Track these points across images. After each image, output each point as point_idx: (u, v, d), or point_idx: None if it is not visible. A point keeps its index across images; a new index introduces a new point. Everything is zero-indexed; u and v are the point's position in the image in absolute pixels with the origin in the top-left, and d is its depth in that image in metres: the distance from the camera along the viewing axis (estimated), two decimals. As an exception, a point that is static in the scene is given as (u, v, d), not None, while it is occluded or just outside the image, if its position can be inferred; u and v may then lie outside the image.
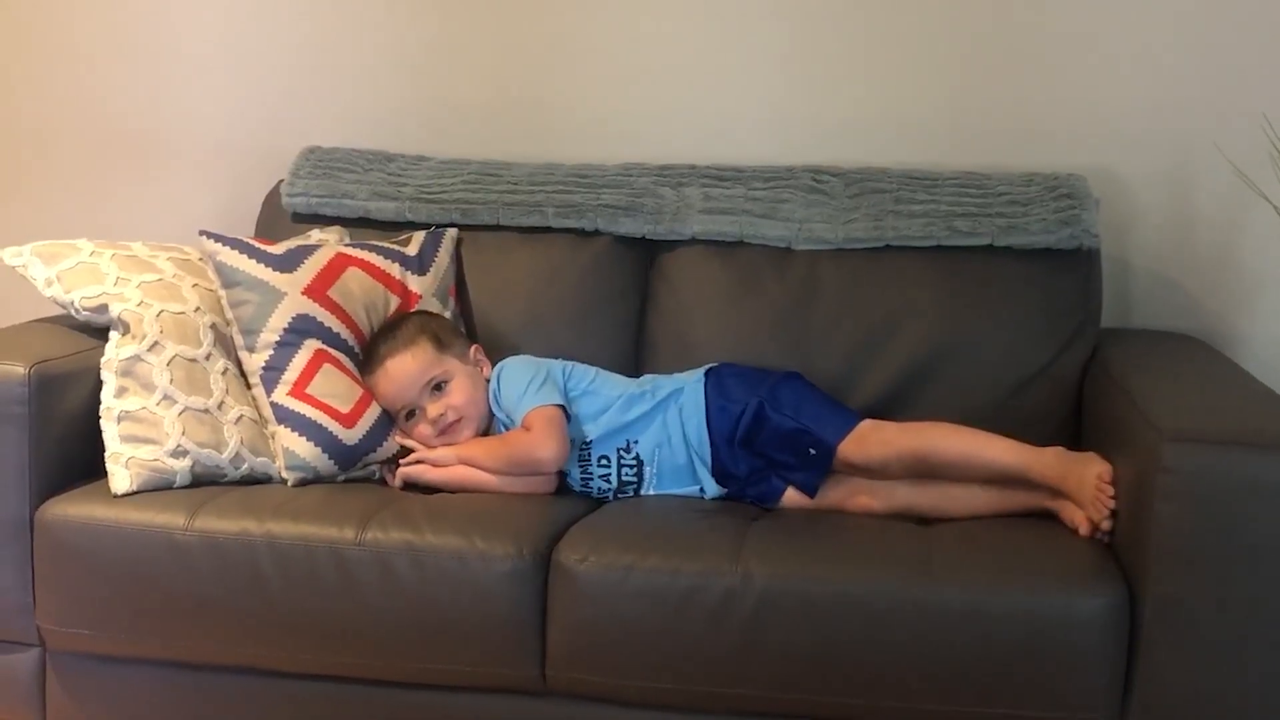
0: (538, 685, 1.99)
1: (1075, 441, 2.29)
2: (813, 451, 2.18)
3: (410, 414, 2.28)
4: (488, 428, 2.32)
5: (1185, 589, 1.81)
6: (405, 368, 2.27)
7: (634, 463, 2.25)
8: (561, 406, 2.24)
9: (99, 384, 2.18)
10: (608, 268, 2.51)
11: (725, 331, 2.41)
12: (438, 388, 2.28)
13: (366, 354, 2.32)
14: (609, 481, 2.25)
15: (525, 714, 2.03)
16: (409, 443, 2.28)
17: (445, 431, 2.27)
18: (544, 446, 2.19)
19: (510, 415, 2.27)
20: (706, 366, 2.33)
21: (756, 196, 2.49)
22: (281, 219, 2.60)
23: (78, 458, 2.17)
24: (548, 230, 2.53)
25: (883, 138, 2.60)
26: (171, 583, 2.05)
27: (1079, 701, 1.86)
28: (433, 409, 2.26)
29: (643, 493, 2.26)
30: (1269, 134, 2.22)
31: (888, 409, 2.32)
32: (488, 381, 2.33)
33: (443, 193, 2.57)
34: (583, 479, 2.26)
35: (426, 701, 2.04)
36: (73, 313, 2.26)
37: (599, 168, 2.59)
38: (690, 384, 2.29)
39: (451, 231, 2.53)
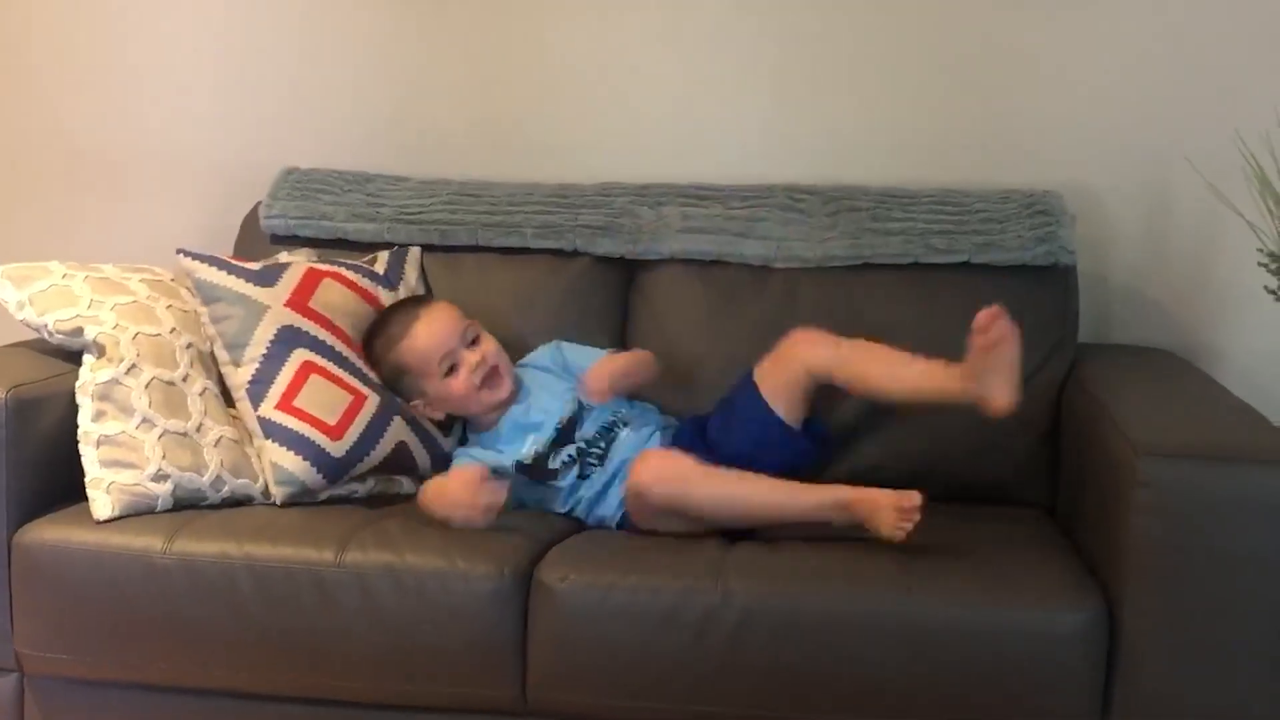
0: (519, 705, 1.99)
1: (1053, 458, 2.31)
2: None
3: (450, 370, 2.30)
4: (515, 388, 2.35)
5: (1163, 603, 1.82)
6: (444, 315, 2.33)
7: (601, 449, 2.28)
8: None
9: (75, 408, 2.17)
10: (587, 288, 2.51)
11: (705, 350, 2.42)
12: (473, 342, 2.32)
13: (388, 325, 2.34)
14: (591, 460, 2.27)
15: (506, 734, 2.02)
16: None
17: (486, 382, 2.31)
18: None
19: (581, 365, 2.33)
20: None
21: (734, 215, 2.50)
22: (260, 240, 2.60)
23: (54, 482, 2.16)
24: (527, 251, 2.53)
25: (859, 156, 2.61)
26: (150, 606, 2.04)
27: (1059, 716, 1.86)
28: (472, 356, 2.30)
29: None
30: (1242, 150, 2.23)
31: (866, 427, 2.33)
32: None
33: (421, 213, 2.57)
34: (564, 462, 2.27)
35: (407, 724, 2.03)
36: (46, 336, 2.25)
37: (577, 188, 2.60)
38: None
39: (414, 250, 2.53)
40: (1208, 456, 1.83)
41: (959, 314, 2.35)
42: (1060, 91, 2.56)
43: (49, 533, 2.09)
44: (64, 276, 2.29)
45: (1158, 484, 1.80)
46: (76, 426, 2.16)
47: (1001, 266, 2.38)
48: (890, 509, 1.96)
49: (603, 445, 2.27)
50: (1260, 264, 2.20)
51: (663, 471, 2.10)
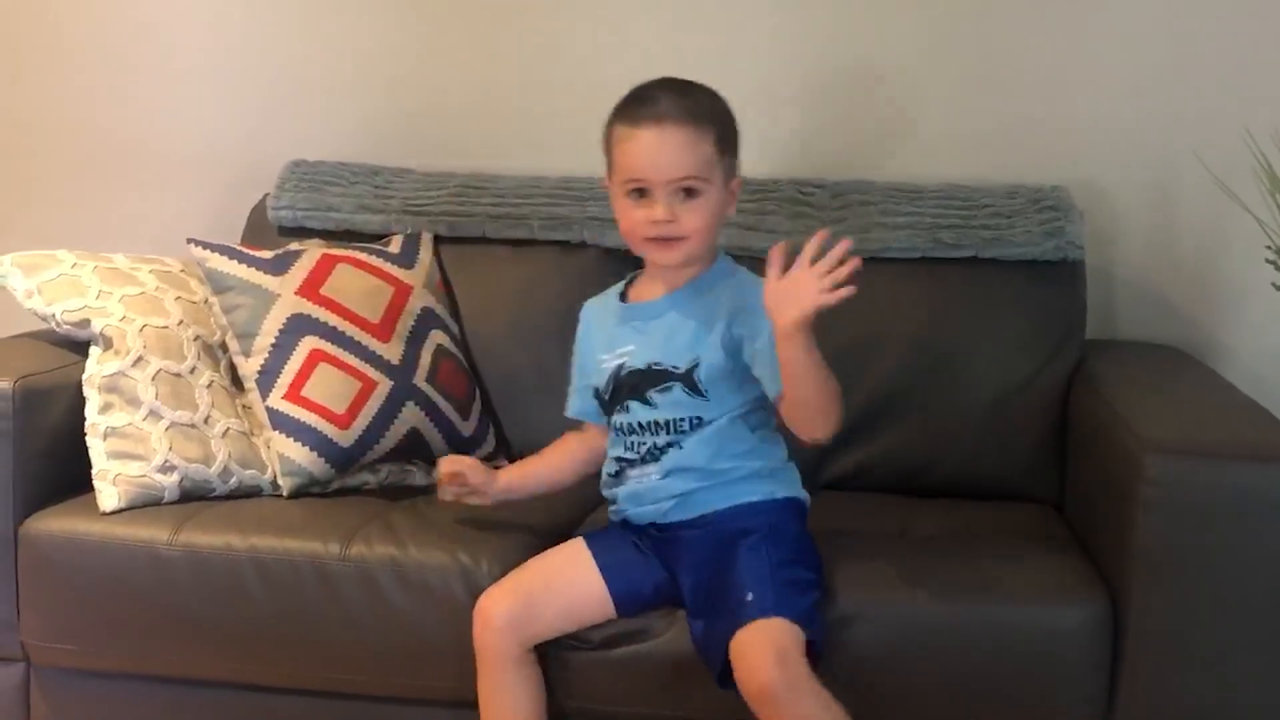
0: (523, 699, 1.99)
1: (1060, 453, 2.30)
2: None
3: (642, 193, 1.88)
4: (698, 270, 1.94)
5: (1168, 599, 1.82)
6: (673, 145, 1.85)
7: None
8: None
9: (82, 399, 2.17)
10: (595, 280, 2.47)
11: (712, 344, 2.41)
12: (687, 192, 1.87)
13: (643, 97, 1.91)
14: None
15: (510, 728, 2.02)
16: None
17: (659, 240, 1.88)
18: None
19: (755, 332, 1.85)
20: None
21: (742, 209, 2.46)
22: (267, 232, 2.60)
23: (61, 473, 2.16)
24: (534, 243, 2.53)
25: (867, 150, 2.61)
26: (156, 597, 2.04)
27: (1064, 714, 1.86)
28: (662, 212, 1.85)
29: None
30: (1251, 147, 2.23)
31: (873, 420, 2.32)
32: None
33: (429, 205, 2.57)
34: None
35: (411, 716, 2.03)
36: (54, 326, 2.25)
37: (585, 180, 2.59)
38: None
39: (427, 234, 2.53)
40: (1215, 454, 1.82)
41: (966, 309, 2.37)
42: (1069, 88, 2.55)
43: (55, 524, 2.09)
44: (73, 266, 2.29)
45: (1165, 481, 1.79)
46: (84, 418, 2.16)
47: (1009, 261, 2.37)
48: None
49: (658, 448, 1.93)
50: (1269, 261, 2.19)
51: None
